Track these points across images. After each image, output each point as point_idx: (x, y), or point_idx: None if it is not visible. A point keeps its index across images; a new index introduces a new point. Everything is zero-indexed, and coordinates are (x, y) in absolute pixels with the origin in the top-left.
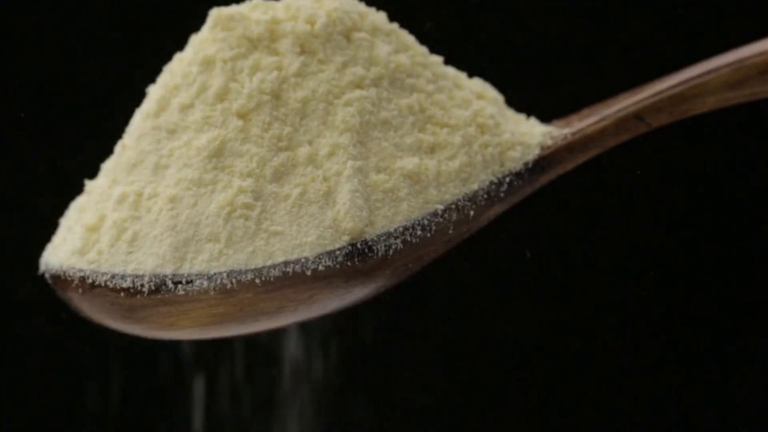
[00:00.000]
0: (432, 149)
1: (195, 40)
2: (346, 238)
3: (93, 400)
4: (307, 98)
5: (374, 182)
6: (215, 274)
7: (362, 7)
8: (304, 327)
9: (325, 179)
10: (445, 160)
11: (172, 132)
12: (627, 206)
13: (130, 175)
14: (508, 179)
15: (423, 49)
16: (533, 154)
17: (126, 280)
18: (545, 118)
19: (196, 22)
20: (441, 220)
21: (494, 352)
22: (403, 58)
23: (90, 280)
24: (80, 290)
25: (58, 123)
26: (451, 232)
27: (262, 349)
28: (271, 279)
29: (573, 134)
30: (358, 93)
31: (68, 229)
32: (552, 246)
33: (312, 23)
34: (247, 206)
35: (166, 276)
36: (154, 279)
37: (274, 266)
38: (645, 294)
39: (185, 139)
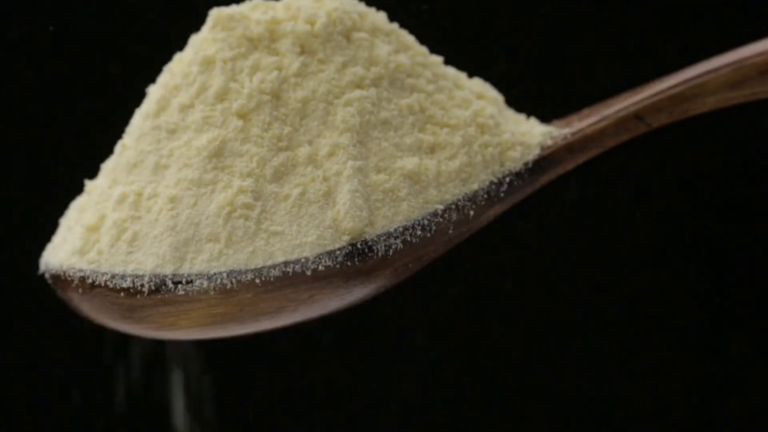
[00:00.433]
0: (432, 149)
1: (195, 40)
2: (346, 238)
3: (93, 400)
4: (307, 98)
5: (374, 182)
6: (215, 274)
7: (362, 7)
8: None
9: (325, 179)
10: (445, 160)
11: (172, 132)
12: (627, 206)
13: (130, 175)
14: (508, 179)
15: (423, 49)
16: (533, 154)
17: (126, 280)
18: (545, 118)
19: (196, 22)
20: (441, 220)
21: (494, 352)
22: (403, 58)
23: (90, 280)
24: (80, 290)
25: (58, 123)
26: (451, 232)
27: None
28: (271, 279)
29: (573, 134)
30: (358, 93)
31: (68, 229)
32: (552, 246)
33: (312, 23)
34: (247, 206)
35: (166, 276)
36: (154, 279)
37: (274, 266)
38: (645, 294)
39: (185, 139)
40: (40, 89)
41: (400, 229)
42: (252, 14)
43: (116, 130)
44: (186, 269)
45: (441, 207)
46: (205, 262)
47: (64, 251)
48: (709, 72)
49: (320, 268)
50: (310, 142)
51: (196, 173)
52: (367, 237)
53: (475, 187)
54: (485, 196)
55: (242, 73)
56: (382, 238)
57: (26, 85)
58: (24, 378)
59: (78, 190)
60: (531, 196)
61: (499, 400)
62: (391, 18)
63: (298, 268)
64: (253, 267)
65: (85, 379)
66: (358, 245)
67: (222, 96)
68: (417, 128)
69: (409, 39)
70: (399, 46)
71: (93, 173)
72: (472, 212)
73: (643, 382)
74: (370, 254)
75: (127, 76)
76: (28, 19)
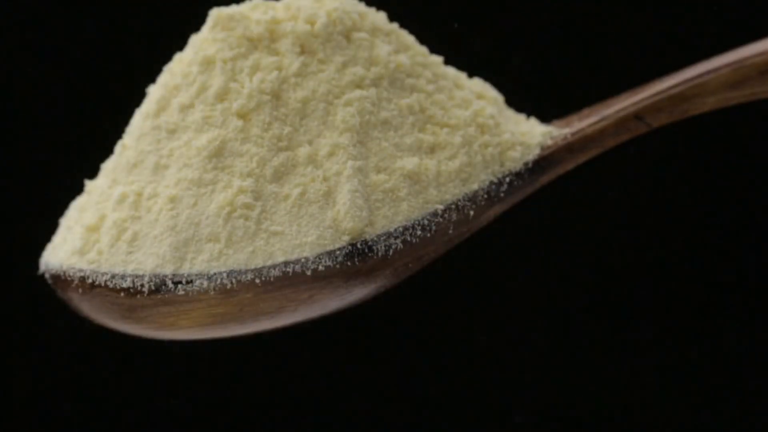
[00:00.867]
0: (432, 149)
1: (195, 40)
2: (346, 238)
3: (93, 400)
4: (307, 98)
5: (374, 182)
6: (215, 274)
7: (362, 7)
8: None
9: (325, 179)
10: (445, 160)
11: (172, 132)
12: (627, 206)
13: (130, 175)
14: (508, 179)
15: (423, 49)
16: (533, 154)
17: (126, 280)
18: (545, 118)
19: (196, 22)
20: (441, 220)
21: (494, 352)
22: (403, 58)
23: (90, 280)
24: (80, 290)
25: (58, 123)
26: (451, 232)
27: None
28: (271, 279)
29: (573, 134)
30: (358, 93)
31: (68, 229)
32: (552, 246)
33: (312, 23)
34: (247, 206)
35: (166, 276)
36: (154, 279)
37: (274, 266)
38: (645, 294)
39: (185, 139)
40: (40, 89)
41: (400, 229)
42: (252, 14)
43: (116, 130)
44: (186, 269)
45: (441, 207)
46: (205, 262)
47: (64, 251)
48: (709, 72)
49: (320, 268)
50: (310, 142)
51: (196, 173)
52: (367, 237)
53: (475, 187)
54: (485, 196)
55: (242, 73)
56: (382, 238)
57: (26, 85)
58: (24, 378)
59: (78, 190)
60: (531, 196)
61: (499, 400)
62: (391, 18)
63: (298, 268)
64: (253, 267)
65: (85, 378)
66: (358, 245)
67: (222, 96)
68: (417, 128)
69: (409, 39)
70: (399, 46)
71: (93, 173)
72: (472, 212)
73: (643, 382)
74: (370, 254)
75: (127, 76)
76: (29, 20)
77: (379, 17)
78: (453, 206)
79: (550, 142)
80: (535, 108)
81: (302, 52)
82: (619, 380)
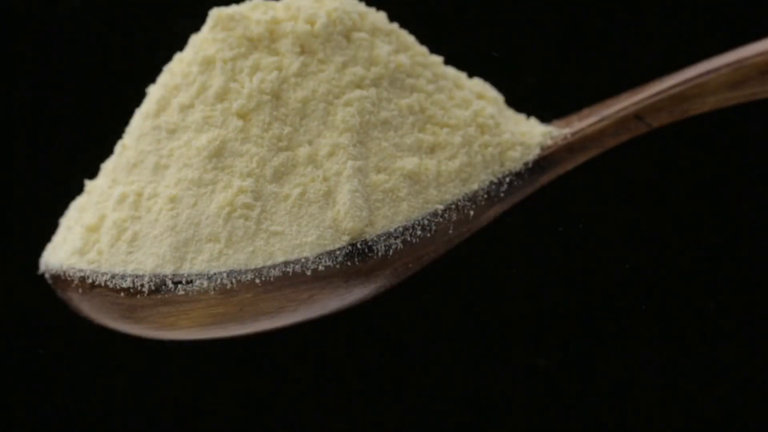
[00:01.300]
0: (432, 149)
1: (195, 40)
2: (346, 238)
3: (93, 400)
4: (307, 98)
5: (374, 182)
6: (215, 274)
7: (362, 7)
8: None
9: (325, 179)
10: (445, 160)
11: (172, 132)
12: (627, 206)
13: (130, 175)
14: (508, 179)
15: (423, 49)
16: (533, 154)
17: (126, 280)
18: (545, 118)
19: (196, 22)
20: (441, 220)
21: (494, 352)
22: (403, 58)
23: (90, 280)
24: (80, 290)
25: (58, 123)
26: (451, 232)
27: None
28: (271, 279)
29: (573, 134)
30: (358, 93)
31: (68, 229)
32: (552, 246)
33: (312, 23)
34: (247, 206)
35: (166, 276)
36: (154, 279)
37: (274, 266)
38: (645, 294)
39: (185, 139)
40: (41, 89)
41: (400, 229)
42: (252, 14)
43: (116, 130)
44: (186, 269)
45: (441, 207)
46: (205, 262)
47: (64, 251)
48: (709, 72)
49: (320, 268)
50: (310, 142)
51: (196, 173)
52: (367, 237)
53: (475, 187)
54: (485, 196)
55: (242, 73)
56: (382, 238)
57: (26, 85)
58: (24, 378)
59: (78, 190)
60: (531, 196)
61: (499, 400)
62: (391, 18)
63: (298, 268)
64: (253, 267)
65: (85, 378)
66: (358, 245)
67: (222, 96)
68: (417, 128)
69: (409, 39)
70: (399, 46)
71: (93, 173)
72: (472, 212)
73: (643, 381)
74: (370, 254)
75: (127, 76)
76: (29, 20)
77: (379, 17)
78: (453, 206)
79: (550, 142)
80: (535, 108)
81: (302, 52)
82: (619, 380)
